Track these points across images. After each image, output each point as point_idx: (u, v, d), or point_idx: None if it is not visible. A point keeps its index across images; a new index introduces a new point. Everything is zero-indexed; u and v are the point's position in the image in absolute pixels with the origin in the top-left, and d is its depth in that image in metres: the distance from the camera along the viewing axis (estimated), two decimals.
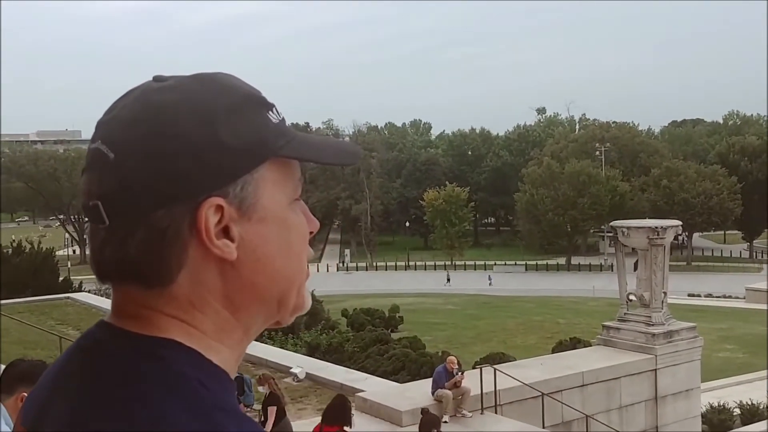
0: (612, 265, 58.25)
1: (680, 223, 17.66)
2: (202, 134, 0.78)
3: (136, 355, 0.77)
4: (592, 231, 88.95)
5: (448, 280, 72.91)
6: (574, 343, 27.85)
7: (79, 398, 0.77)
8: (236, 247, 0.80)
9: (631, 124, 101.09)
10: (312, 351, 24.90)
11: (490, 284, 71.01)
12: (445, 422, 13.44)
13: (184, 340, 0.79)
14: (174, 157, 0.77)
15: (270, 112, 0.84)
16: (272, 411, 11.19)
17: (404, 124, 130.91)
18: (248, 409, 11.77)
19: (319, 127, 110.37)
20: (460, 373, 13.86)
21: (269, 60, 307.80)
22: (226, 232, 0.79)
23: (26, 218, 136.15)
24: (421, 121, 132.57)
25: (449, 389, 13.58)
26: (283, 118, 0.86)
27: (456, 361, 14.27)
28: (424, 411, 12.37)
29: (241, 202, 0.80)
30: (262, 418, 11.54)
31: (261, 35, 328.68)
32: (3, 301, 22.78)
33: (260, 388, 11.76)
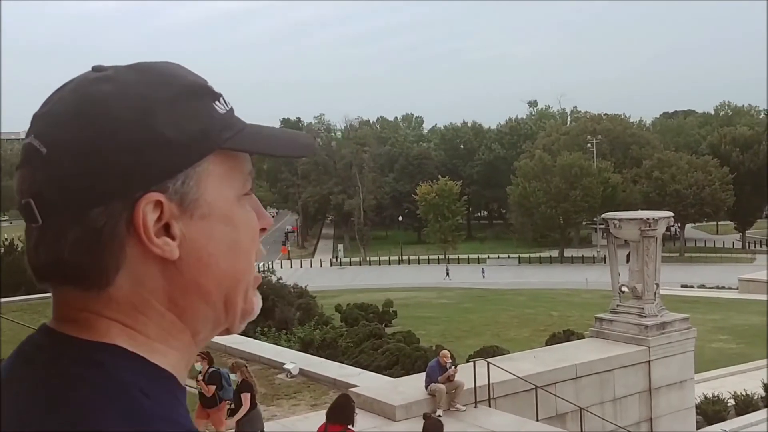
0: (605, 257, 58.38)
1: (672, 214, 17.66)
2: (138, 127, 0.74)
3: (75, 362, 0.73)
4: (584, 223, 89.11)
5: (448, 273, 72.46)
6: (568, 336, 27.92)
7: (18, 405, 0.73)
8: (178, 246, 0.76)
9: (622, 116, 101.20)
10: (306, 347, 24.85)
11: (483, 277, 71.11)
12: (439, 416, 13.43)
13: (127, 344, 0.75)
14: (108, 151, 0.73)
15: (216, 103, 0.80)
16: (246, 397, 11.11)
17: (396, 118, 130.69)
18: (229, 404, 11.70)
19: (311, 122, 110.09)
20: (453, 367, 13.84)
21: (259, 56, 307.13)
22: (167, 230, 0.75)
23: (6, 217, 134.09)
24: (413, 115, 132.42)
25: (442, 383, 13.56)
26: (231, 108, 0.82)
27: (449, 355, 14.24)
28: (426, 416, 12.19)
29: (182, 198, 0.76)
30: (232, 406, 11.48)
31: (250, 31, 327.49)
32: None
33: (232, 376, 11.69)
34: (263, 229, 0.84)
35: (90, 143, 0.73)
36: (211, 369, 11.76)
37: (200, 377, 11.70)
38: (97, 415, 0.70)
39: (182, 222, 0.76)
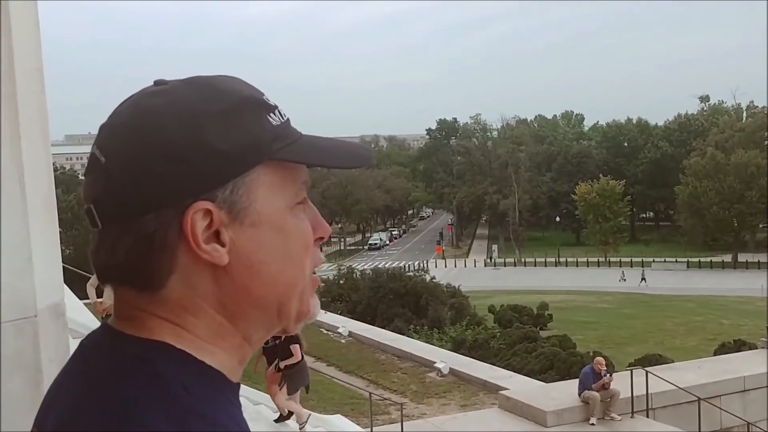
0: None
1: None
2: (186, 138, 0.77)
3: (124, 357, 0.78)
4: (761, 226, 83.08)
5: (644, 278, 67.43)
6: (739, 346, 26.27)
7: (71, 398, 0.79)
8: (227, 252, 0.78)
9: None
10: (457, 346, 24.93)
11: (642, 284, 66.73)
12: (593, 425, 13.08)
13: (175, 341, 0.79)
14: (158, 161, 0.77)
15: (271, 115, 0.83)
16: (296, 348, 10.78)
17: (555, 115, 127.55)
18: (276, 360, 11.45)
19: (467, 122, 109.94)
20: (608, 375, 13.41)
21: (416, 57, 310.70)
22: (217, 237, 0.78)
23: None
24: (572, 112, 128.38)
25: (597, 391, 13.21)
26: (287, 120, 0.85)
27: (604, 362, 13.83)
28: None
29: (231, 206, 0.79)
30: (276, 362, 10.89)
31: (404, 34, 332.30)
32: None
33: None
34: (320, 238, 0.86)
35: (141, 154, 0.77)
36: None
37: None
38: (136, 407, 0.73)
39: (232, 229, 0.79)
